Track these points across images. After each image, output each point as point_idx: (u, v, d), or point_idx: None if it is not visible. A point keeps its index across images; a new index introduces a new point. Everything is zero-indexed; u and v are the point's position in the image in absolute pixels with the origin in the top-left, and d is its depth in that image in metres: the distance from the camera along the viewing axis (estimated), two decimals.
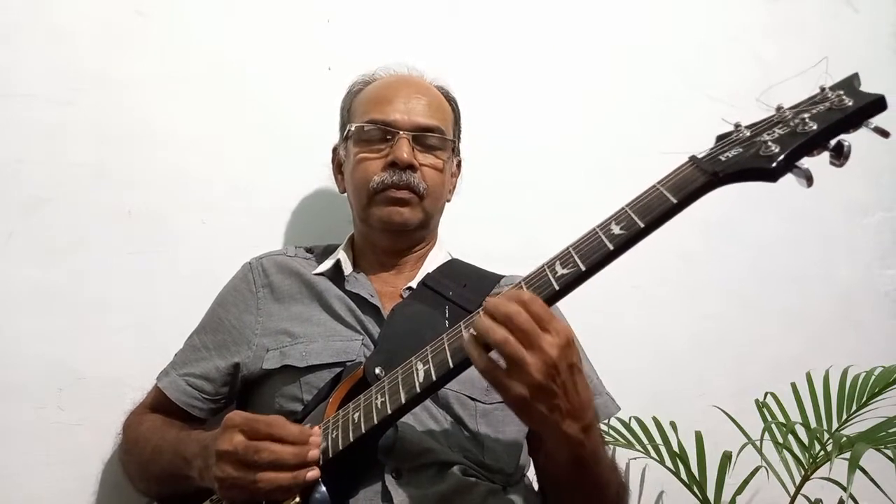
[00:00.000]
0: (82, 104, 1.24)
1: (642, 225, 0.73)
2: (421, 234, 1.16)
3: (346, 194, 1.21)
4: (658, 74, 1.73)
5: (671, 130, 1.69)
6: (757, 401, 1.44)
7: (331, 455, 0.85)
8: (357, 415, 0.86)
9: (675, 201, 0.73)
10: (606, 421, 1.30)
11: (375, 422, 0.83)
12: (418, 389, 0.81)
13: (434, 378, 0.81)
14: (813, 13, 1.92)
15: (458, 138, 1.21)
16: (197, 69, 1.33)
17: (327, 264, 1.15)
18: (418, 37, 1.49)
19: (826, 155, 0.72)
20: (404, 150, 1.08)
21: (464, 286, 1.10)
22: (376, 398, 0.85)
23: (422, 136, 1.11)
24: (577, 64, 1.67)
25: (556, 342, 0.72)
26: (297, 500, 0.82)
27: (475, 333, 0.74)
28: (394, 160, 1.08)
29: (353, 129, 1.12)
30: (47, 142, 1.21)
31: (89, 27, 1.26)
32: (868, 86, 0.74)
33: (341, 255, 1.16)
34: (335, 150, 1.23)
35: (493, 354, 0.73)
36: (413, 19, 1.51)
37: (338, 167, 1.22)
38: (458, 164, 1.23)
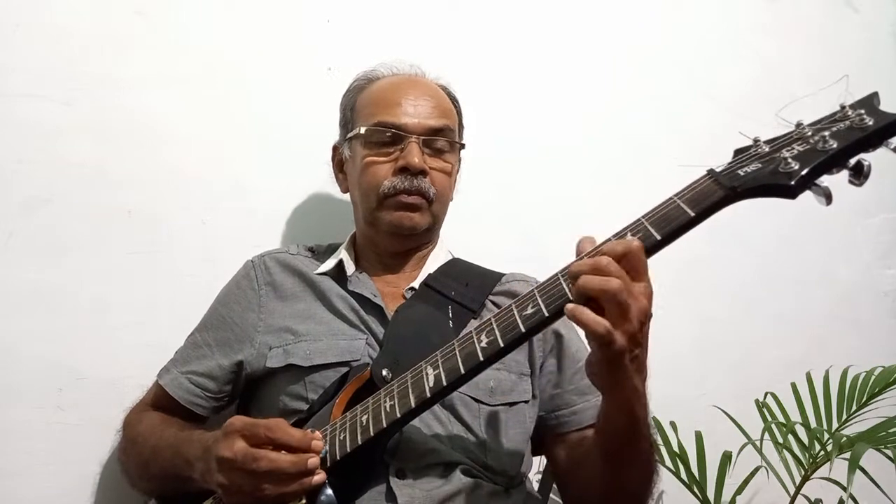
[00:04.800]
0: (82, 104, 1.24)
1: (659, 237, 0.74)
2: (427, 236, 1.16)
3: (347, 194, 1.21)
4: (659, 74, 1.73)
5: (672, 130, 1.69)
6: (757, 401, 1.44)
7: (338, 457, 0.85)
8: (365, 417, 0.86)
9: (692, 214, 0.73)
10: None
11: (384, 425, 0.84)
12: (428, 394, 0.82)
13: (444, 383, 0.81)
14: (813, 13, 1.92)
15: (462, 137, 1.21)
16: (197, 69, 1.33)
17: (330, 264, 1.15)
18: (419, 37, 1.49)
19: (842, 172, 0.72)
20: (416, 155, 1.07)
21: (465, 285, 1.10)
22: (385, 401, 0.85)
23: (431, 140, 1.11)
24: (578, 64, 1.67)
25: (647, 291, 0.73)
26: (303, 501, 0.83)
27: (577, 294, 0.73)
28: (405, 165, 1.07)
29: (361, 131, 1.11)
30: (47, 142, 1.21)
31: (89, 27, 1.25)
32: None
33: (343, 254, 1.15)
34: (335, 149, 1.22)
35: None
36: (414, 19, 1.51)
37: (339, 166, 1.21)
38: (458, 162, 1.23)
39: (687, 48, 1.77)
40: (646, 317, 0.73)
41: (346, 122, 1.18)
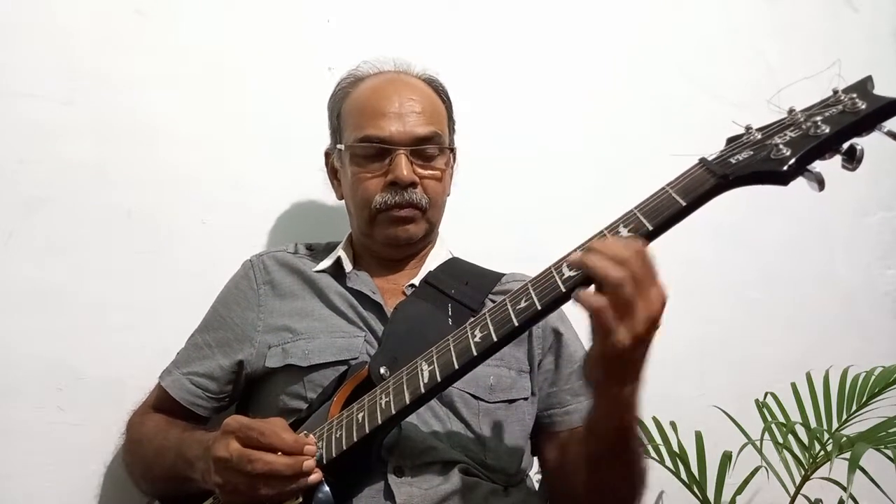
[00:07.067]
0: (82, 104, 1.24)
1: (651, 227, 0.73)
2: (425, 241, 1.16)
3: (342, 200, 1.20)
4: (659, 73, 1.73)
5: (673, 130, 1.69)
6: (757, 401, 1.44)
7: (334, 455, 0.85)
8: (361, 415, 0.86)
9: (683, 204, 0.73)
10: None
11: (379, 422, 0.84)
12: (423, 390, 0.82)
13: (439, 379, 0.81)
14: (813, 13, 1.92)
15: (453, 130, 1.18)
16: (197, 69, 1.33)
17: (328, 261, 1.15)
18: (419, 36, 1.49)
19: (835, 158, 0.71)
20: (404, 168, 1.05)
21: (465, 284, 1.10)
22: (381, 398, 0.85)
23: (419, 149, 1.08)
24: (579, 63, 1.66)
25: (661, 297, 0.72)
26: (300, 499, 0.83)
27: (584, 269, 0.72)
28: (394, 180, 1.06)
29: (348, 144, 1.10)
30: (47, 142, 1.21)
31: (89, 27, 1.26)
32: None
33: (341, 252, 1.15)
34: (328, 155, 1.21)
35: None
36: (413, 19, 1.51)
37: (333, 172, 1.20)
38: (454, 155, 1.19)
39: (687, 48, 1.77)
40: (654, 323, 0.71)
41: (335, 129, 1.17)
